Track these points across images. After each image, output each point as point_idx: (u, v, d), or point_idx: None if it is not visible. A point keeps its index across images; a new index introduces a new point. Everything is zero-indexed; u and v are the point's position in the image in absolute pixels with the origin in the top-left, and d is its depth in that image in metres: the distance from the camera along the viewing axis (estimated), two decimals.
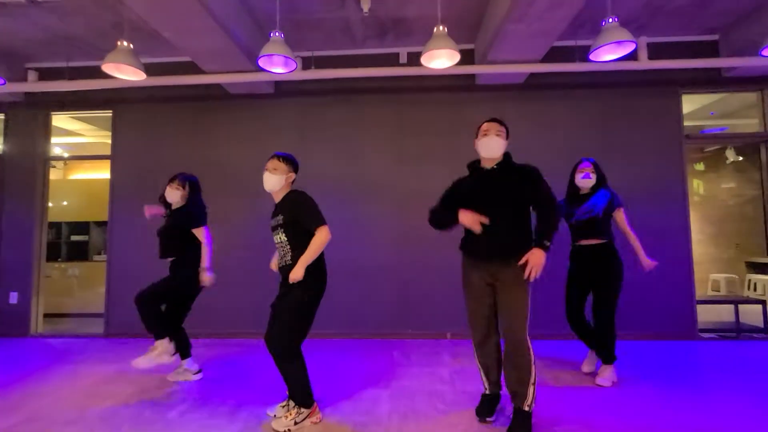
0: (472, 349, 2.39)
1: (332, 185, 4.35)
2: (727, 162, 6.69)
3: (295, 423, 2.25)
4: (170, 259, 3.03)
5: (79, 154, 6.25)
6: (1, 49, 4.37)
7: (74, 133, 6.13)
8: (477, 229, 2.11)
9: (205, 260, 2.98)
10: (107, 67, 3.26)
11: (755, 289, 5.96)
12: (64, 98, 4.68)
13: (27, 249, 4.61)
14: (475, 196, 2.21)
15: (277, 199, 2.44)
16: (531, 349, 2.12)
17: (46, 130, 4.81)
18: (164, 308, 2.98)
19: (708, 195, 6.99)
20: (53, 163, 5.73)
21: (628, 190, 4.00)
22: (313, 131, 4.50)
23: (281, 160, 2.40)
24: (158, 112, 4.63)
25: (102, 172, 6.18)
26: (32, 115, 4.74)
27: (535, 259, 2.03)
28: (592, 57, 3.13)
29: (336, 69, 4.19)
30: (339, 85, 4.45)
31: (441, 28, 3.08)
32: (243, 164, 4.47)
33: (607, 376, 2.86)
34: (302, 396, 2.30)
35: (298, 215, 2.30)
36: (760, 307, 4.48)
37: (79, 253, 6.07)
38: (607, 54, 3.10)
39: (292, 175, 2.44)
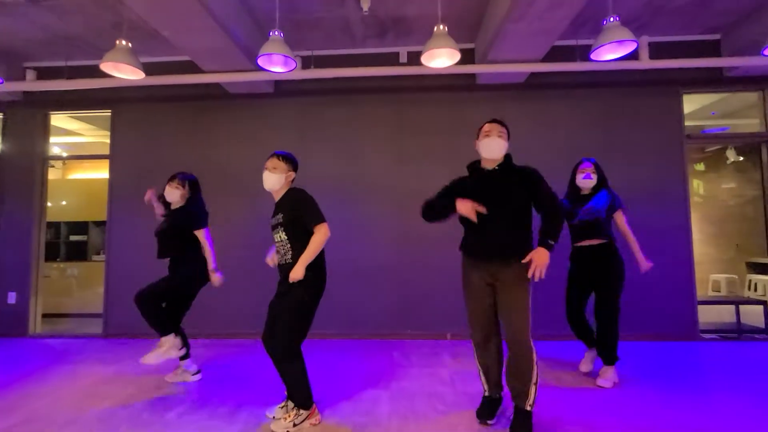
0: (472, 350, 2.37)
1: (332, 185, 4.34)
2: (728, 162, 6.68)
3: (294, 425, 2.24)
4: (169, 259, 3.01)
5: (78, 153, 6.23)
6: None
7: (73, 133, 6.12)
8: (473, 217, 2.10)
9: (211, 262, 2.98)
10: (106, 66, 3.24)
11: (755, 290, 5.95)
12: (63, 98, 4.66)
13: (25, 249, 4.60)
14: (476, 197, 2.19)
15: (277, 197, 2.43)
16: (533, 350, 2.11)
17: (45, 129, 4.80)
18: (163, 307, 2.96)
19: (708, 195, 6.98)
20: (52, 162, 5.71)
21: (628, 190, 3.99)
22: (312, 131, 4.48)
23: (281, 158, 2.40)
24: (157, 111, 4.62)
25: (101, 172, 6.15)
26: (31, 114, 4.72)
27: (540, 259, 2.03)
28: (593, 56, 3.11)
29: (336, 68, 4.17)
30: (339, 85, 4.43)
31: (441, 27, 3.07)
32: (242, 164, 4.45)
33: (608, 377, 2.84)
34: (302, 397, 2.28)
35: (298, 213, 2.30)
36: (761, 307, 4.47)
37: (78, 253, 6.05)
38: (608, 53, 3.08)
39: (292, 174, 2.43)
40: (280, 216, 2.35)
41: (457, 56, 3.13)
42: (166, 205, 3.10)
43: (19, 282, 4.57)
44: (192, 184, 3.07)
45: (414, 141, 4.39)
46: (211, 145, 4.54)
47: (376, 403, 2.61)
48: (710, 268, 6.64)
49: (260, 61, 3.18)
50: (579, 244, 2.96)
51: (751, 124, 4.97)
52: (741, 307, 4.37)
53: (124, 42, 3.23)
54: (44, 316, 4.85)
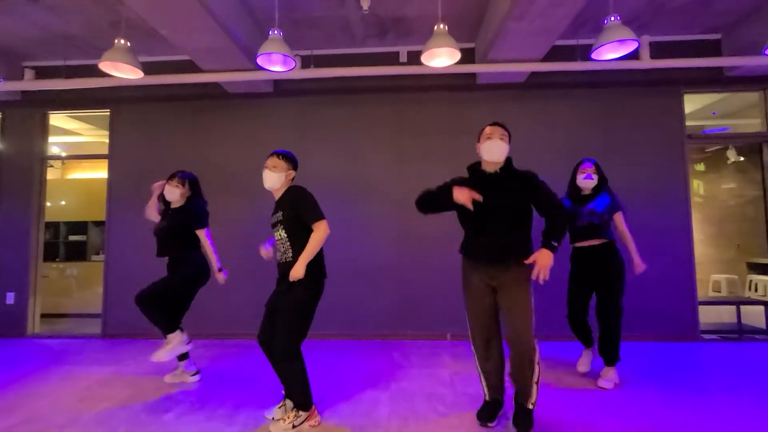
0: (472, 355, 2.35)
1: (332, 185, 4.32)
2: (728, 162, 6.66)
3: (294, 426, 2.23)
4: (168, 258, 3.00)
5: (77, 153, 6.22)
6: None
7: (72, 133, 6.10)
8: (469, 205, 2.09)
9: (214, 261, 3.00)
10: (104, 66, 3.23)
11: (756, 290, 5.94)
12: (62, 97, 4.65)
13: (24, 249, 4.58)
14: (478, 201, 2.18)
15: (277, 196, 2.43)
16: (536, 350, 2.11)
17: (44, 129, 4.78)
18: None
19: (708, 195, 6.97)
20: (51, 162, 5.69)
21: (629, 191, 3.99)
22: (312, 131, 4.47)
23: (281, 157, 2.39)
24: (156, 111, 4.60)
25: (100, 172, 6.14)
26: (29, 113, 4.71)
27: (544, 260, 2.03)
28: (594, 56, 3.10)
29: (335, 68, 4.15)
30: (338, 84, 4.42)
31: (441, 26, 3.05)
32: (242, 164, 4.44)
33: (609, 377, 2.83)
34: (301, 398, 2.27)
35: (298, 210, 2.29)
36: (761, 308, 4.46)
37: (77, 253, 6.04)
38: (609, 53, 3.07)
39: (292, 173, 2.43)
40: (279, 214, 2.34)
41: (458, 55, 3.12)
42: (166, 204, 3.09)
43: (17, 282, 4.55)
44: (192, 182, 3.06)
45: (414, 141, 4.38)
46: (211, 144, 4.52)
47: (375, 404, 2.59)
48: (710, 268, 6.63)
49: (259, 61, 3.17)
50: (579, 244, 2.95)
51: (752, 124, 4.95)
52: (742, 307, 4.36)
53: (122, 41, 3.22)
54: (43, 316, 4.83)
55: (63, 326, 5.10)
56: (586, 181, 2.90)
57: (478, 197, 2.10)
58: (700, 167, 7.05)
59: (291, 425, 2.22)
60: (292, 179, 2.45)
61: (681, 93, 4.26)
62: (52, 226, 6.00)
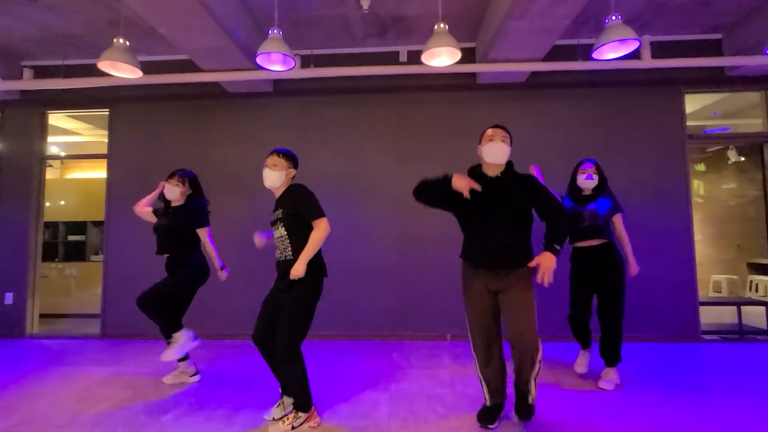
0: (472, 360, 2.33)
1: (332, 185, 4.31)
2: (729, 162, 6.65)
3: (293, 427, 2.22)
4: (167, 256, 2.99)
5: (76, 153, 6.20)
6: None
7: (71, 132, 6.09)
8: (467, 193, 2.09)
9: (215, 260, 3.03)
10: (103, 65, 3.21)
11: (756, 290, 5.92)
12: (60, 97, 4.64)
13: (23, 249, 4.57)
14: (478, 203, 2.18)
15: (278, 194, 2.42)
16: (540, 349, 2.10)
17: (42, 128, 4.77)
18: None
19: (709, 196, 6.95)
20: (50, 162, 5.67)
21: (630, 191, 3.98)
22: (312, 130, 4.45)
23: (281, 156, 2.39)
24: (156, 110, 4.59)
25: (99, 172, 6.12)
26: (28, 113, 4.70)
27: (547, 263, 2.02)
28: (595, 55, 3.09)
29: (335, 67, 4.14)
30: (338, 84, 4.41)
31: (442, 25, 3.04)
32: (241, 163, 4.42)
33: (610, 378, 2.82)
34: (301, 398, 2.26)
35: (298, 208, 2.28)
36: (762, 308, 4.45)
37: (76, 253, 6.02)
38: (610, 52, 3.05)
39: (292, 171, 2.42)
40: (279, 211, 2.34)
41: (458, 55, 3.10)
42: (166, 202, 3.07)
43: (16, 282, 4.54)
44: (192, 181, 3.06)
45: (414, 141, 4.36)
46: (210, 144, 4.51)
47: (375, 405, 2.58)
48: (711, 268, 6.61)
49: (259, 60, 3.16)
50: (579, 244, 2.94)
51: (753, 124, 4.94)
52: (743, 307, 4.35)
53: (121, 40, 3.20)
54: (42, 316, 4.82)
55: (62, 326, 5.09)
56: (587, 182, 2.89)
57: (477, 187, 2.10)
58: (701, 167, 7.03)
59: (290, 426, 2.21)
60: (293, 178, 2.44)
61: (682, 93, 4.25)
62: (51, 226, 5.98)
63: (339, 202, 4.26)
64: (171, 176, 3.01)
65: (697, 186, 6.96)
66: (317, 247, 2.25)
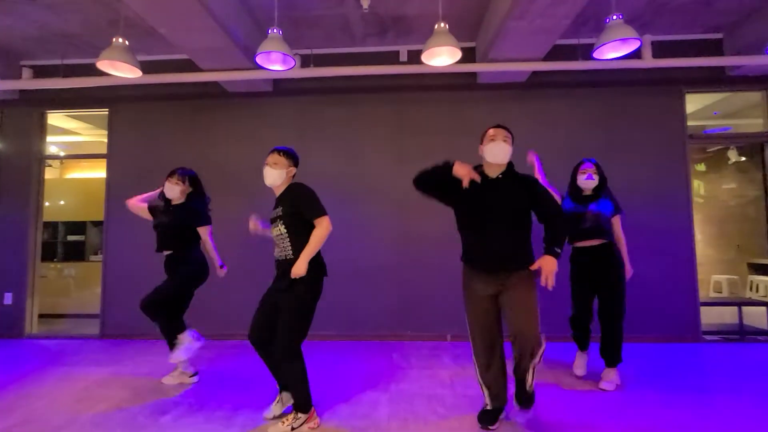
0: (471, 361, 2.32)
1: (331, 185, 4.29)
2: (729, 162, 6.64)
3: (293, 428, 2.21)
4: (166, 253, 2.98)
5: (76, 152, 6.19)
6: None
7: (70, 132, 6.07)
8: (466, 182, 2.11)
9: (215, 258, 3.06)
10: (102, 64, 3.20)
11: (757, 291, 5.92)
12: (60, 96, 4.63)
13: (22, 249, 4.56)
14: (479, 204, 2.18)
15: (278, 193, 2.42)
16: (542, 344, 2.06)
17: (42, 128, 4.76)
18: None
19: (709, 196, 6.94)
20: (49, 162, 5.67)
21: (630, 191, 3.97)
22: (312, 130, 4.44)
23: (281, 154, 2.38)
24: (155, 110, 4.58)
25: (98, 171, 6.11)
26: (27, 113, 4.68)
27: (549, 267, 2.02)
28: (595, 55, 3.08)
29: (335, 67, 4.14)
30: (338, 84, 4.40)
31: (442, 24, 3.03)
32: (241, 163, 4.41)
33: (611, 379, 2.81)
34: (301, 399, 2.25)
35: (299, 206, 2.28)
36: (763, 309, 4.44)
37: (75, 253, 6.01)
38: (611, 51, 3.04)
39: (293, 170, 2.42)
40: (280, 209, 2.33)
41: (458, 54, 3.10)
42: (166, 201, 3.06)
43: (15, 282, 4.53)
44: (192, 179, 3.05)
45: (414, 141, 4.35)
46: (210, 144, 4.50)
47: (375, 405, 2.57)
48: (711, 269, 6.61)
49: (259, 59, 3.15)
50: (580, 244, 2.93)
51: (753, 124, 4.93)
52: (743, 308, 4.34)
53: (121, 40, 3.20)
54: (41, 316, 4.81)
55: (61, 327, 5.08)
56: (588, 182, 2.88)
57: (477, 177, 2.12)
58: (701, 167, 7.03)
59: (290, 427, 2.20)
60: (293, 176, 2.43)
61: (683, 93, 4.24)
62: (51, 226, 5.97)
63: (339, 202, 4.25)
64: (171, 175, 3.00)
65: (698, 186, 6.95)
66: (319, 246, 2.24)
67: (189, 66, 4.18)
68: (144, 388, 2.90)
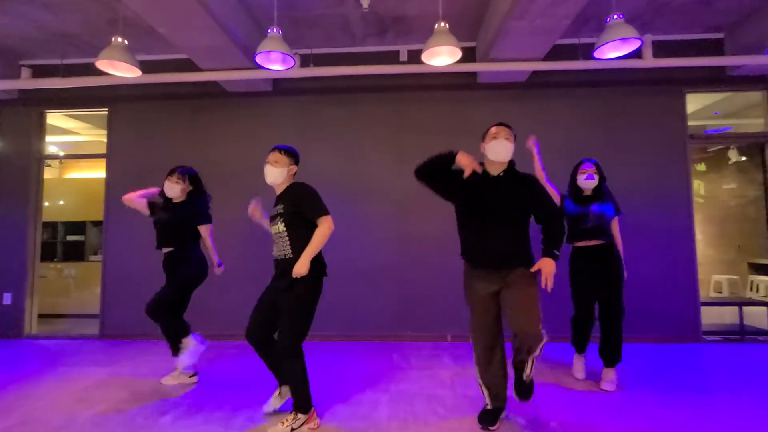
0: (472, 360, 2.31)
1: (331, 185, 4.27)
2: (729, 162, 6.64)
3: (292, 429, 2.20)
4: (166, 251, 2.97)
5: (75, 152, 6.18)
6: None
7: (69, 132, 6.07)
8: (469, 171, 2.13)
9: (214, 257, 3.08)
10: (101, 64, 3.19)
11: (757, 291, 5.92)
12: (59, 96, 4.61)
13: (21, 249, 4.55)
14: (480, 201, 2.18)
15: (279, 191, 2.41)
16: (544, 339, 2.05)
17: (41, 128, 4.75)
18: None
19: (709, 196, 6.94)
20: (49, 162, 5.66)
21: (630, 191, 3.97)
22: (311, 130, 4.44)
23: (282, 152, 2.38)
24: (155, 110, 4.57)
25: (98, 171, 6.10)
26: (26, 112, 4.67)
27: (548, 268, 2.05)
28: (596, 54, 3.07)
29: (335, 67, 4.13)
30: (338, 83, 4.39)
31: (442, 24, 3.02)
32: (241, 163, 4.40)
33: (612, 379, 2.81)
34: (300, 399, 2.25)
35: (300, 205, 2.28)
36: (764, 309, 4.43)
37: (75, 253, 6.00)
38: (612, 51, 3.04)
39: (294, 168, 2.42)
40: (280, 207, 2.33)
41: (458, 54, 3.09)
42: (167, 200, 3.05)
43: (14, 282, 4.52)
44: (192, 177, 3.05)
45: (414, 140, 4.34)
46: (209, 143, 4.49)
47: (375, 406, 2.56)
48: (711, 269, 6.61)
49: (258, 59, 3.14)
50: (580, 244, 2.92)
51: (754, 124, 4.93)
52: (744, 308, 4.33)
53: (120, 39, 3.19)
54: (40, 316, 4.80)
55: (60, 327, 5.07)
56: (588, 182, 2.87)
57: (479, 168, 2.15)
58: (701, 167, 7.02)
59: (290, 428, 2.20)
60: (294, 174, 2.43)
61: (683, 92, 4.24)
62: (50, 226, 5.96)
63: (339, 201, 4.22)
64: (171, 173, 3.00)
65: (698, 186, 6.95)
66: (321, 245, 2.24)
67: (188, 66, 4.17)
68: (143, 389, 2.89)
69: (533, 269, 2.08)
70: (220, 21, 3.26)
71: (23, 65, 4.58)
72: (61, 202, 6.11)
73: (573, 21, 3.39)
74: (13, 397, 2.76)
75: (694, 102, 5.04)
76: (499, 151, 2.19)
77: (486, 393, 2.27)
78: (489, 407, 2.28)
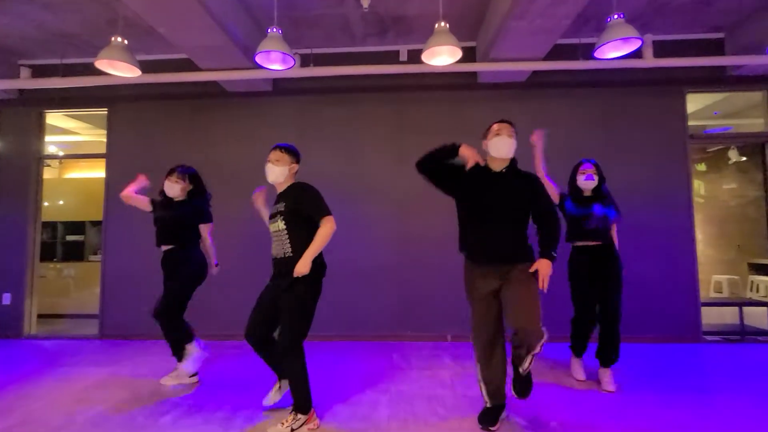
0: (472, 358, 2.31)
1: (331, 185, 4.24)
2: (730, 162, 6.64)
3: (292, 430, 2.20)
4: (166, 249, 2.97)
5: (74, 152, 6.17)
6: None
7: (69, 132, 6.06)
8: (471, 163, 2.16)
9: (213, 257, 3.11)
10: (101, 64, 3.19)
11: (757, 291, 5.91)
12: (58, 96, 4.61)
13: (21, 249, 4.54)
14: (482, 196, 2.19)
15: (281, 190, 2.41)
16: (544, 336, 2.02)
17: (40, 128, 4.75)
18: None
19: (709, 196, 6.94)
20: (48, 161, 5.65)
21: (631, 191, 3.97)
22: (311, 130, 4.43)
23: (283, 151, 2.39)
24: (154, 110, 4.57)
25: (97, 171, 6.10)
26: (25, 112, 4.67)
27: (546, 270, 2.07)
28: (596, 54, 3.07)
29: (335, 66, 4.12)
30: (338, 83, 4.38)
31: (442, 24, 3.02)
32: (240, 163, 4.40)
33: (611, 379, 2.81)
34: (300, 399, 2.24)
35: (303, 204, 2.28)
36: (764, 309, 4.43)
37: (74, 253, 6.00)
38: (612, 51, 3.03)
39: (295, 166, 2.42)
40: (282, 204, 2.33)
41: (459, 54, 3.08)
42: (167, 198, 3.04)
43: (14, 282, 4.51)
44: (192, 177, 3.05)
45: (414, 140, 4.33)
46: (209, 143, 4.49)
47: (374, 407, 2.56)
48: (711, 269, 6.60)
49: (258, 59, 3.13)
50: (580, 243, 2.91)
51: (754, 124, 4.92)
52: (744, 308, 4.33)
53: (119, 39, 3.18)
54: (40, 316, 4.79)
55: (60, 327, 5.06)
56: (587, 182, 2.87)
57: (482, 161, 2.17)
58: (701, 167, 7.02)
59: (289, 428, 2.19)
60: (295, 173, 2.43)
61: (684, 92, 4.23)
62: (50, 226, 5.96)
63: (339, 201, 4.20)
64: (170, 173, 2.99)
65: (698, 186, 6.94)
66: (323, 245, 2.25)
67: (188, 65, 4.16)
68: (143, 389, 2.89)
69: (531, 270, 2.10)
70: (220, 21, 3.26)
71: (23, 65, 4.57)
72: (61, 202, 6.11)
73: (573, 21, 3.39)
74: (13, 398, 2.76)
75: (694, 102, 5.04)
76: (501, 147, 2.20)
77: (484, 390, 2.27)
78: (488, 405, 2.28)
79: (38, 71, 4.55)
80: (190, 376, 3.01)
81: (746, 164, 6.49)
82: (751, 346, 3.86)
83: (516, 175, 2.25)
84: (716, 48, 4.22)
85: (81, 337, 4.44)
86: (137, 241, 4.27)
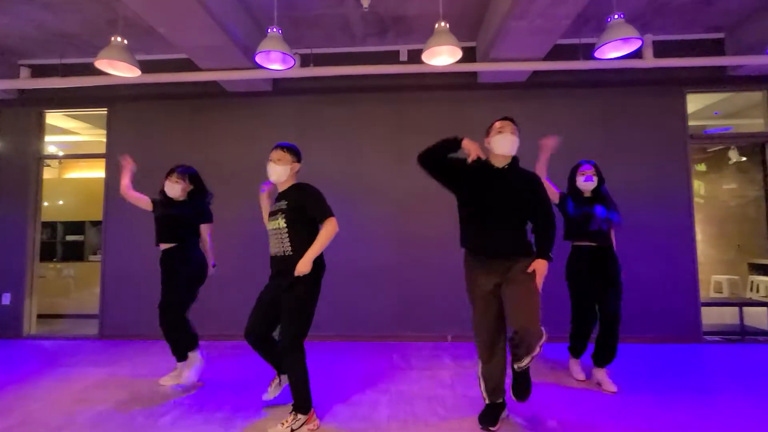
0: (474, 357, 2.32)
1: (331, 185, 4.21)
2: (730, 162, 6.64)
3: (292, 430, 2.20)
4: (165, 248, 2.96)
5: (74, 152, 6.17)
6: None
7: (69, 131, 6.06)
8: (474, 156, 2.18)
9: (211, 257, 3.10)
10: (101, 64, 3.19)
11: (758, 291, 5.91)
12: (58, 96, 4.61)
13: (20, 249, 4.54)
14: (484, 192, 2.20)
15: (282, 189, 2.42)
16: (543, 336, 2.02)
17: (40, 128, 4.74)
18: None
19: (709, 196, 6.94)
20: (48, 161, 5.65)
21: (631, 191, 3.97)
22: (311, 130, 4.43)
23: (285, 150, 2.39)
24: (154, 110, 4.56)
25: (97, 171, 6.10)
26: (25, 112, 4.67)
27: (543, 270, 2.10)
28: (596, 54, 3.07)
29: (335, 66, 4.12)
30: (338, 83, 4.38)
31: (443, 24, 3.02)
32: (240, 163, 4.40)
33: (609, 379, 2.80)
34: (300, 399, 2.24)
35: (305, 204, 2.29)
36: (764, 309, 4.43)
37: (74, 253, 5.99)
38: (613, 51, 3.03)
39: (297, 165, 2.43)
40: (283, 203, 2.33)
41: (459, 54, 3.08)
42: (168, 198, 3.03)
43: (13, 282, 4.51)
44: (192, 176, 3.05)
45: (414, 140, 4.26)
46: (209, 144, 4.49)
47: (374, 407, 2.56)
48: (711, 269, 6.61)
49: (258, 59, 3.13)
50: (581, 243, 2.91)
51: (754, 124, 4.93)
52: (744, 308, 4.33)
53: (119, 39, 3.18)
54: (39, 316, 4.78)
55: (60, 327, 5.06)
56: (587, 183, 2.87)
57: (483, 155, 2.19)
58: (701, 167, 7.02)
59: (289, 429, 2.19)
60: (297, 172, 2.44)
61: (684, 92, 4.23)
62: (49, 226, 5.95)
63: (339, 201, 4.19)
64: (170, 173, 2.99)
65: (698, 186, 6.94)
66: (325, 245, 2.25)
67: (188, 65, 4.16)
68: (143, 389, 2.89)
69: (528, 270, 2.11)
70: (220, 21, 3.26)
71: (22, 65, 4.57)
72: (61, 202, 6.10)
73: (573, 21, 3.39)
74: (13, 398, 2.76)
75: (695, 102, 5.04)
76: (504, 144, 2.21)
77: (483, 386, 2.28)
78: (486, 401, 2.28)
79: (38, 71, 4.55)
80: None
81: (746, 164, 6.49)
82: (751, 347, 3.86)
83: (517, 173, 2.26)
84: (716, 48, 4.22)
85: (81, 337, 4.44)
86: (137, 241, 4.26)
